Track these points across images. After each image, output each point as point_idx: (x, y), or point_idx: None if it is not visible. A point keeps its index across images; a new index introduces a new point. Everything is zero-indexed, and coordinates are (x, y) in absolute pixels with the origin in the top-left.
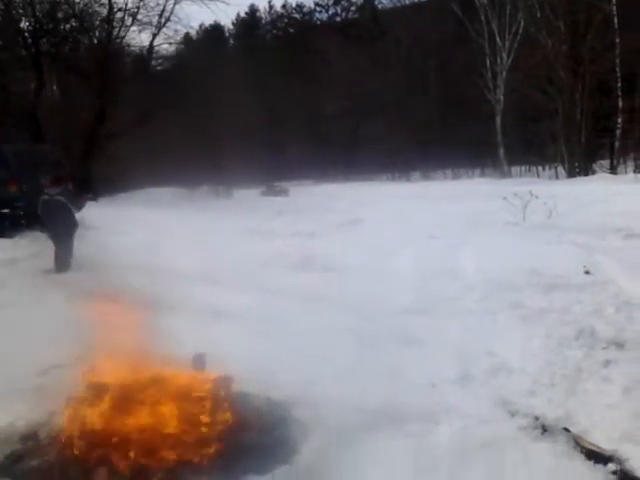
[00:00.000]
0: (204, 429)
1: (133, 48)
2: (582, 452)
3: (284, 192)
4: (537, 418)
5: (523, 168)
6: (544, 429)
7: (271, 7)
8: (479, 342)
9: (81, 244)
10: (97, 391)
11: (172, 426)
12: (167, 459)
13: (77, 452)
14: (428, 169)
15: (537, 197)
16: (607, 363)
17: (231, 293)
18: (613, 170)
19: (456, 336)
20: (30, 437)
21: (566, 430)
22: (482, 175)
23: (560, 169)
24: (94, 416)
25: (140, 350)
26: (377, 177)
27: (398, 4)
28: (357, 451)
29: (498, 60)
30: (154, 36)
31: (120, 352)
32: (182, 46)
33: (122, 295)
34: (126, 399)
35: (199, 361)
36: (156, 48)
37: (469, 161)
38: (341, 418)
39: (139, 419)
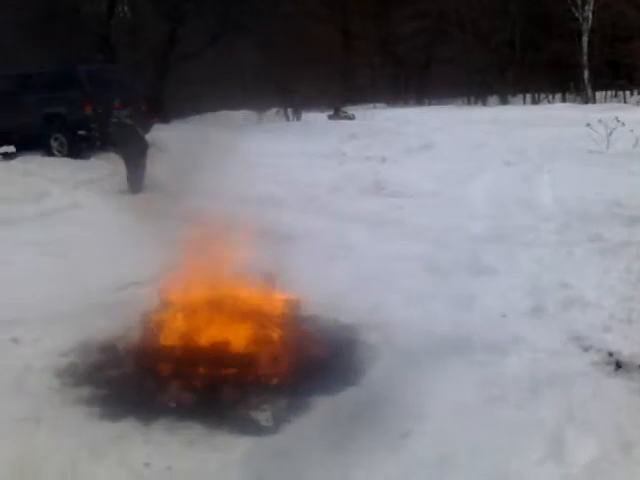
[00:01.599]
0: (273, 348)
1: None
2: None
3: (350, 116)
4: (611, 354)
5: (609, 93)
6: (618, 365)
7: None
8: (553, 274)
9: (153, 166)
10: (172, 308)
11: (242, 344)
12: (236, 376)
13: (152, 364)
14: (506, 93)
15: (623, 124)
16: None
17: (301, 217)
18: None
19: (530, 267)
20: (109, 349)
21: None
22: (563, 100)
23: None
24: (168, 331)
25: (212, 270)
26: (451, 101)
27: None
28: (424, 375)
29: None
30: None
31: (193, 271)
32: None
33: (194, 216)
34: (198, 316)
35: (269, 282)
36: None
37: (550, 85)
38: (409, 343)
39: (210, 336)
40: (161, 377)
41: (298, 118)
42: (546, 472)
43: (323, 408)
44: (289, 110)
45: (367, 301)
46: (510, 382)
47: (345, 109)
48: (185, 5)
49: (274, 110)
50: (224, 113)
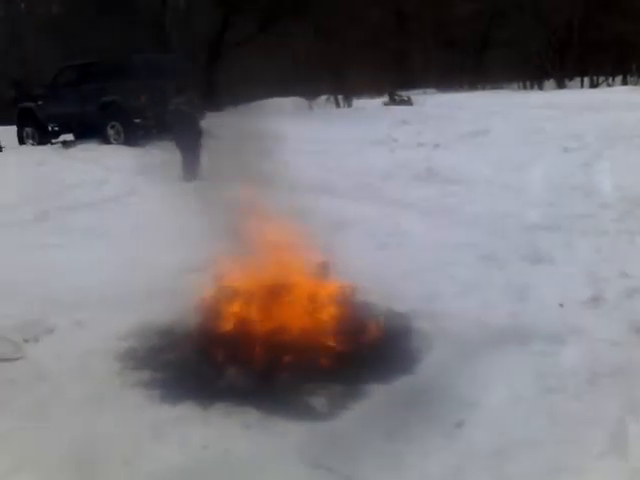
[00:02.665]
0: (328, 335)
1: None
2: None
3: (408, 101)
4: None
5: None
6: None
7: None
8: (613, 263)
9: (207, 154)
10: (227, 294)
11: (297, 330)
12: (292, 363)
13: (209, 349)
14: (563, 77)
15: None
16: None
17: (354, 204)
18: None
19: (588, 256)
20: (167, 333)
21: None
22: (624, 83)
23: None
24: (225, 316)
25: (267, 256)
26: (507, 85)
27: None
28: (479, 365)
29: None
30: None
31: (249, 258)
32: None
33: (249, 204)
34: (254, 303)
35: (323, 269)
36: None
37: (610, 67)
38: (464, 332)
39: (266, 322)
40: (218, 362)
41: (349, 105)
42: (607, 466)
43: (378, 395)
44: (340, 97)
45: (421, 289)
46: (568, 373)
47: (401, 93)
48: None
49: (325, 97)
50: (275, 100)
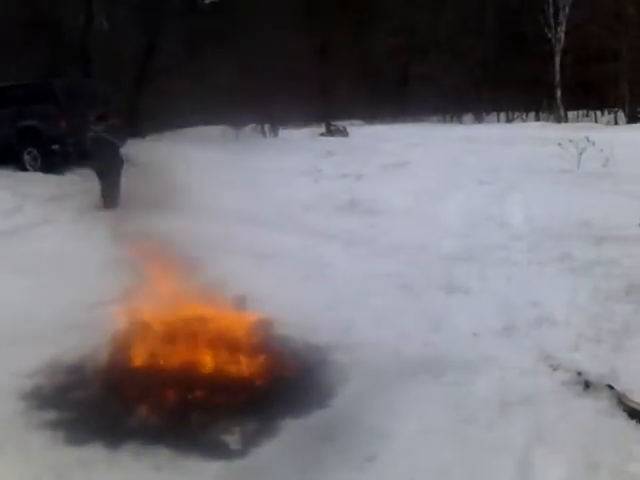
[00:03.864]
0: (243, 370)
1: None
2: (625, 411)
3: (344, 132)
4: (580, 373)
5: (580, 112)
6: (587, 385)
7: None
8: (524, 293)
9: (128, 181)
10: (140, 328)
11: (211, 366)
12: (206, 399)
13: (120, 386)
14: (481, 111)
15: (593, 144)
16: None
17: (275, 234)
18: None
19: (501, 285)
20: (76, 370)
21: (610, 387)
22: (537, 119)
23: (620, 114)
24: (136, 352)
25: (183, 289)
26: (427, 119)
27: None
28: (394, 396)
29: None
30: None
31: (163, 291)
32: None
33: (167, 234)
34: (167, 338)
35: (240, 302)
36: None
37: (524, 104)
38: (380, 363)
39: (179, 358)
40: (129, 400)
41: (275, 134)
42: None
43: (292, 431)
44: (266, 126)
45: (339, 321)
46: (480, 402)
47: (336, 123)
48: (162, 18)
49: (251, 126)
50: (201, 129)
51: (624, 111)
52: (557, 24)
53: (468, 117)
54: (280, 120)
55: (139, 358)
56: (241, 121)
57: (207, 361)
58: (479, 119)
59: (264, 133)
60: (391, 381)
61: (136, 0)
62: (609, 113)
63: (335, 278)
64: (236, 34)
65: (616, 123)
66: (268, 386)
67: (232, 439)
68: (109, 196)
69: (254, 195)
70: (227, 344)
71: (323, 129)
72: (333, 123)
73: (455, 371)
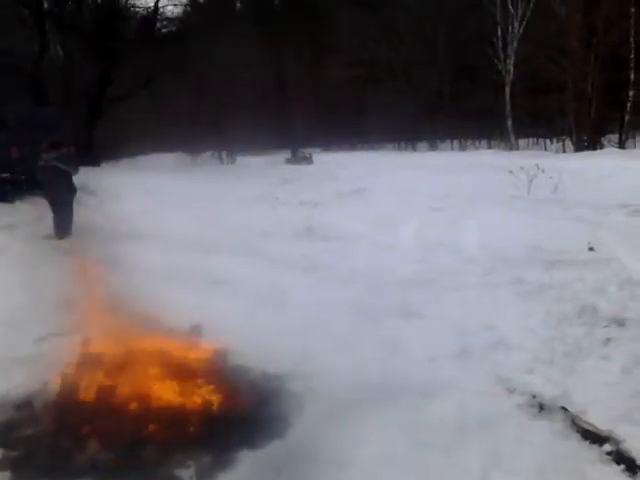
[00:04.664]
0: (197, 402)
1: (138, 9)
2: (578, 432)
3: (309, 159)
4: (535, 396)
5: (531, 140)
6: (541, 407)
7: None
8: (479, 317)
9: (82, 210)
10: (92, 361)
11: (165, 399)
12: (160, 433)
13: (70, 422)
14: (435, 139)
15: (543, 171)
16: (607, 341)
17: (232, 262)
18: (622, 145)
19: (456, 310)
20: (25, 406)
21: (563, 409)
22: (489, 146)
23: (568, 142)
24: (88, 386)
25: (137, 319)
26: (384, 146)
27: None
28: (351, 424)
29: (510, 29)
30: None
31: (117, 321)
32: (188, 8)
33: (121, 263)
34: (120, 370)
35: (196, 332)
36: (161, 9)
37: (477, 132)
38: (337, 391)
39: (132, 390)
40: (80, 435)
41: (232, 161)
42: None
43: (247, 463)
44: (223, 153)
45: (296, 349)
46: (438, 427)
47: (303, 151)
48: (117, 47)
49: (208, 153)
50: (157, 156)
51: (571, 139)
52: (506, 57)
53: (423, 145)
54: (238, 147)
55: (90, 392)
56: (198, 148)
57: (161, 393)
58: (433, 147)
59: (222, 160)
60: (348, 408)
61: (91, 28)
62: (557, 141)
63: (292, 305)
64: (193, 63)
65: (564, 151)
66: (224, 417)
67: (187, 473)
68: (61, 225)
69: (210, 222)
70: (182, 375)
71: (282, 156)
72: (300, 150)
73: (412, 396)
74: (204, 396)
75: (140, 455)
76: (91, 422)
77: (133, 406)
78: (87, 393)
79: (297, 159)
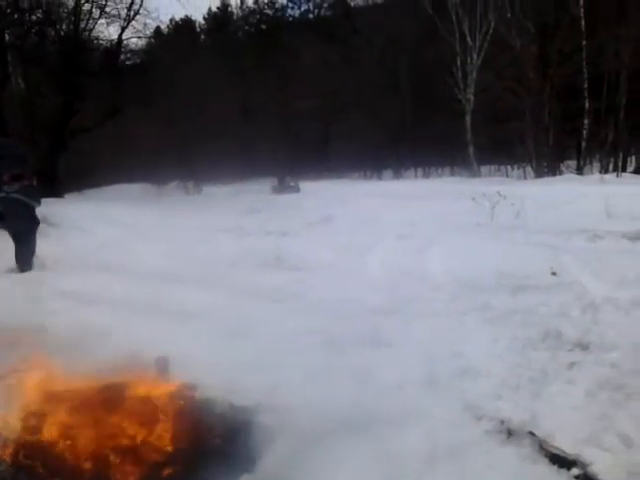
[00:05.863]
0: (163, 439)
1: (101, 42)
2: (546, 456)
3: (295, 187)
4: (503, 422)
5: (492, 167)
6: (510, 433)
7: (243, 2)
8: (446, 344)
9: (45, 242)
10: (53, 398)
11: (129, 436)
12: (123, 473)
13: (29, 464)
14: (399, 167)
15: (505, 197)
16: (572, 365)
17: (198, 293)
18: (579, 171)
19: (424, 337)
20: None
21: (531, 434)
22: (452, 174)
23: (528, 169)
24: (48, 426)
25: (100, 355)
26: (349, 175)
27: (370, 2)
28: (321, 457)
29: (468, 59)
30: (123, 29)
31: (79, 357)
32: (152, 40)
33: (83, 296)
34: (82, 408)
35: (162, 365)
36: (125, 42)
37: (440, 159)
38: (306, 423)
39: (95, 429)
40: (40, 478)
41: (198, 192)
42: None
43: None
44: (189, 183)
45: (264, 381)
46: (407, 457)
47: (291, 179)
48: (81, 79)
49: (174, 183)
50: (122, 186)
51: (531, 166)
52: (466, 86)
53: (388, 173)
54: (203, 177)
55: (51, 431)
56: (164, 178)
57: (124, 432)
58: (398, 175)
59: (187, 190)
60: (317, 440)
61: (55, 61)
62: (518, 168)
63: (260, 336)
64: (158, 94)
65: (525, 177)
66: (190, 454)
67: None
68: (23, 258)
69: (175, 253)
70: (146, 412)
71: (250, 186)
72: (286, 179)
73: (382, 426)
74: (170, 432)
75: None
76: (52, 463)
77: (94, 444)
78: (47, 433)
79: (284, 188)
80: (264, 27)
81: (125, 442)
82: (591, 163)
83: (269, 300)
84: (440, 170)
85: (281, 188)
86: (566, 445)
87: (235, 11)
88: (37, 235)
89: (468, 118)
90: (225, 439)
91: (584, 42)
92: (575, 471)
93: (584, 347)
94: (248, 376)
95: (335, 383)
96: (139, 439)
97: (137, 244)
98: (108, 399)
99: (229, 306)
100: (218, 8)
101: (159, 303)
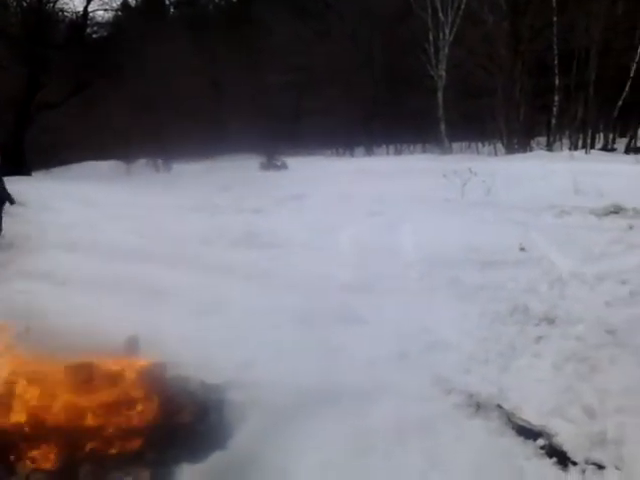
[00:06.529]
0: (134, 417)
1: (67, 13)
2: (513, 428)
3: (282, 166)
4: (471, 395)
5: (464, 144)
6: (478, 406)
7: None
8: (417, 319)
9: (12, 221)
10: (23, 378)
11: (101, 415)
12: (95, 450)
13: (2, 443)
14: (371, 144)
15: (475, 174)
16: (539, 339)
17: (170, 271)
18: (549, 147)
19: (395, 313)
20: None
21: (499, 407)
22: (424, 150)
23: (499, 145)
24: (18, 405)
25: (69, 335)
26: (321, 152)
27: None
28: (293, 432)
29: (440, 35)
30: (89, 1)
31: (48, 336)
32: (119, 13)
33: (55, 275)
34: (53, 387)
35: (132, 344)
36: (91, 14)
37: (412, 136)
38: (277, 399)
39: (66, 408)
40: (9, 459)
41: (168, 169)
42: None
43: (188, 477)
44: (159, 161)
45: (236, 358)
46: (378, 431)
47: (278, 156)
48: (46, 52)
49: (143, 161)
50: (91, 164)
51: (502, 142)
52: (438, 63)
53: (360, 150)
54: (174, 155)
55: (20, 411)
56: (133, 156)
57: (96, 409)
58: (370, 152)
59: (157, 168)
60: (289, 416)
61: (18, 33)
62: (489, 144)
63: (232, 314)
64: (127, 69)
65: (496, 154)
66: (163, 431)
67: None
68: None
69: (147, 231)
70: (117, 390)
71: (222, 163)
72: (275, 157)
73: (353, 401)
74: (142, 410)
75: (76, 474)
76: (22, 444)
77: (68, 423)
78: (17, 412)
79: (271, 165)
80: (235, 1)
81: (95, 420)
82: (561, 140)
83: (242, 278)
84: (412, 147)
85: (268, 165)
86: (533, 417)
87: None
88: (3, 214)
89: (440, 94)
90: (197, 416)
91: (555, 18)
92: (541, 442)
93: (551, 321)
94: (219, 353)
95: (306, 359)
96: (109, 417)
97: (106, 223)
98: (78, 378)
99: (200, 284)
100: None
101: (129, 282)
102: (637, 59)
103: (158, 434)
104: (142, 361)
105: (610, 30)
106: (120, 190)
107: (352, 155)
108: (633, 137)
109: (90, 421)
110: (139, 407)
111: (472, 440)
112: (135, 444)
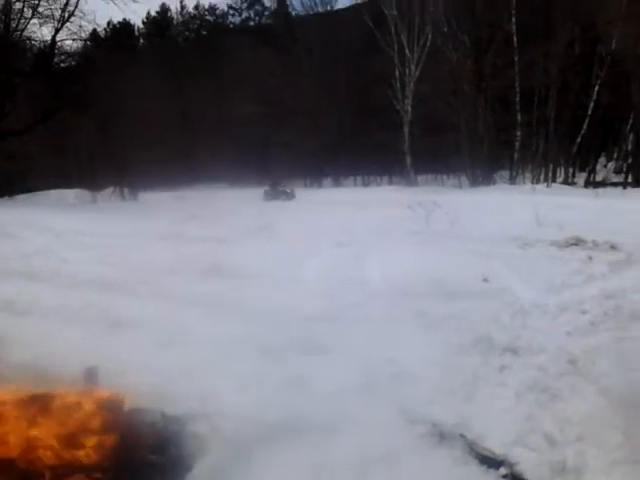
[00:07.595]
0: (91, 451)
1: (34, 42)
2: (476, 457)
3: (289, 195)
4: (435, 425)
5: (429, 176)
6: (442, 436)
7: (183, 7)
8: (382, 350)
9: None
10: None
11: (56, 450)
12: None
13: None
14: (339, 176)
15: (440, 206)
16: (502, 369)
17: (132, 301)
18: (512, 180)
19: (360, 344)
20: None
21: (462, 436)
22: (390, 182)
23: (464, 178)
24: None
25: (28, 365)
26: (289, 183)
27: (311, 12)
28: (254, 465)
29: (407, 71)
30: (57, 31)
31: (7, 365)
32: (88, 43)
33: (15, 304)
34: (6, 421)
35: (91, 376)
36: (59, 44)
37: (378, 169)
38: (239, 431)
39: (19, 443)
40: None
41: (135, 198)
42: None
43: None
44: (125, 190)
45: (197, 389)
46: (340, 462)
47: (284, 184)
48: (11, 80)
49: (110, 189)
50: (56, 192)
51: (467, 175)
52: (404, 97)
53: (328, 181)
54: (140, 183)
55: None
56: (99, 184)
57: (52, 444)
58: (337, 183)
59: (123, 197)
60: (251, 448)
61: None
62: (454, 177)
63: (194, 344)
64: (94, 98)
65: (460, 186)
66: (121, 465)
67: None
68: None
69: (111, 260)
70: (73, 424)
71: (191, 192)
72: (280, 184)
73: (316, 433)
74: (98, 445)
75: None
76: None
77: (20, 457)
78: None
79: (276, 194)
80: (204, 33)
81: (49, 456)
82: (523, 173)
83: (206, 308)
84: (379, 179)
85: (274, 195)
86: (495, 446)
87: (175, 16)
88: None
89: (406, 129)
90: (156, 449)
91: (516, 57)
92: (503, 471)
93: (514, 351)
94: (180, 385)
95: (268, 390)
96: (63, 452)
97: (69, 252)
98: (32, 412)
99: (163, 315)
100: (157, 13)
101: (90, 312)
102: (594, 97)
103: (115, 467)
104: (101, 392)
105: (568, 70)
106: (85, 218)
107: (320, 186)
108: (592, 172)
109: (43, 457)
110: (96, 439)
111: (436, 469)
112: (92, 479)
